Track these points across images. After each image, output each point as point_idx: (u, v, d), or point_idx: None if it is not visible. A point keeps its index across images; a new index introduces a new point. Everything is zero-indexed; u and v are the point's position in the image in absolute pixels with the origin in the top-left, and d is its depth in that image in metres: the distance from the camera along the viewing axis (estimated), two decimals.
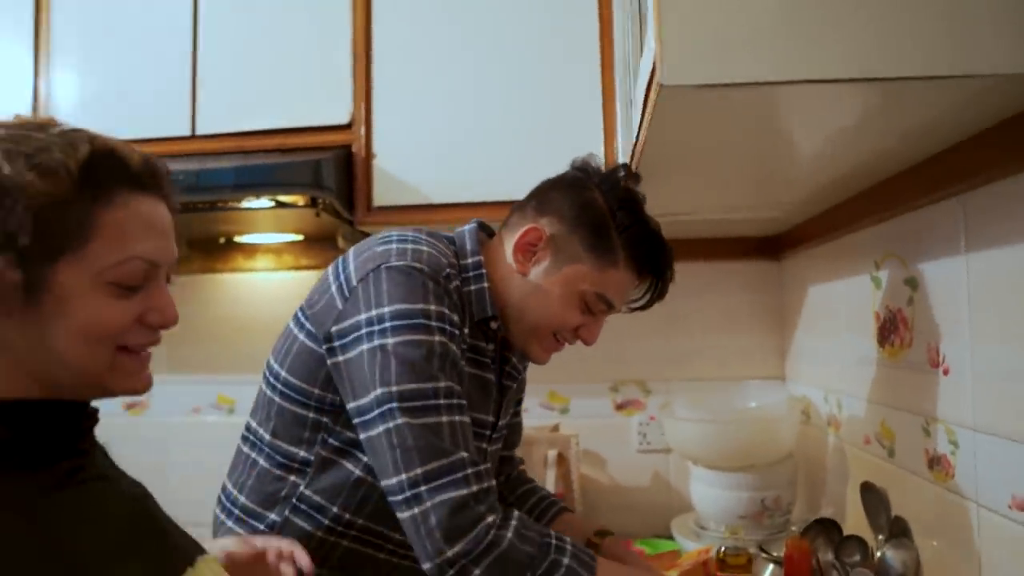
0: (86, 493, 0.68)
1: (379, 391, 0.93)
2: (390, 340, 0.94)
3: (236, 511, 1.07)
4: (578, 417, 1.98)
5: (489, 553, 0.89)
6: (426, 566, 0.90)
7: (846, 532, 1.34)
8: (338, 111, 1.71)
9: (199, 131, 1.75)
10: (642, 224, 1.07)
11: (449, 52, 1.70)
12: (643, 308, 1.12)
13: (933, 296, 1.12)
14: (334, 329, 0.99)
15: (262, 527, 1.04)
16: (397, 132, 1.70)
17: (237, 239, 2.09)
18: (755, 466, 1.61)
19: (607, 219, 1.04)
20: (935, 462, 1.10)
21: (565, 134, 1.62)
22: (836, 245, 1.53)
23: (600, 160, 1.10)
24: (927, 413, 1.12)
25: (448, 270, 1.01)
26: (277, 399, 1.06)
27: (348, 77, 1.71)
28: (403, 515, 0.91)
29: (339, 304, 0.99)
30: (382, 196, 1.70)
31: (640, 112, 0.97)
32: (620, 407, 1.99)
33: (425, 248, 1.02)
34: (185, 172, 1.60)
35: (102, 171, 0.67)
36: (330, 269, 1.06)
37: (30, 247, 0.63)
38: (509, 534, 0.91)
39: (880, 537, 1.23)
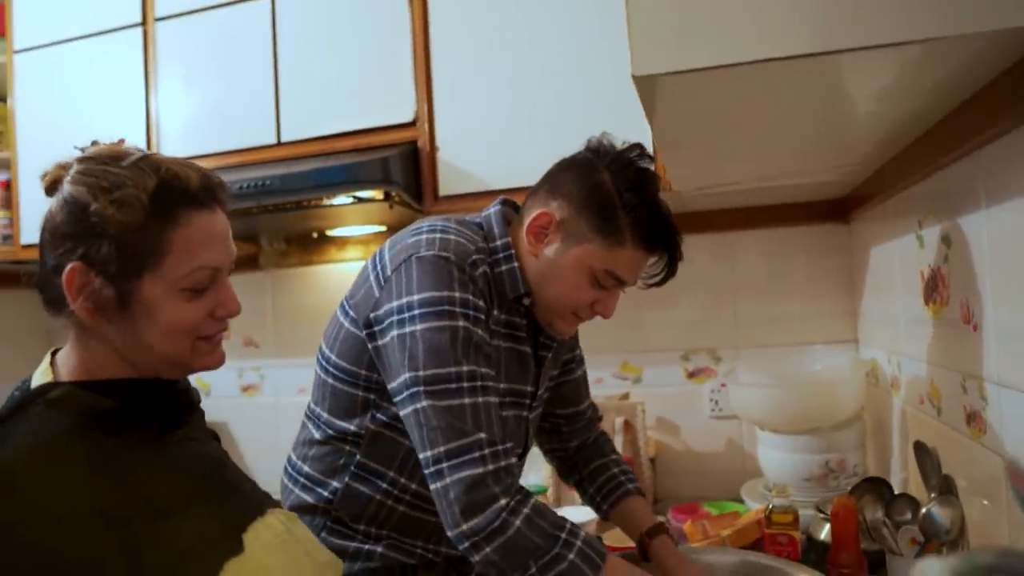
0: (168, 452, 0.84)
1: (407, 375, 1.01)
2: (419, 327, 1.02)
3: (301, 479, 1.19)
4: (651, 386, 2.04)
5: (497, 536, 0.95)
6: (450, 534, 0.99)
7: (909, 492, 1.34)
8: (403, 110, 1.85)
9: (284, 138, 1.94)
10: (649, 205, 1.08)
11: (503, 44, 1.80)
12: (658, 284, 1.15)
13: (963, 253, 1.11)
14: (372, 316, 1.08)
15: (326, 493, 1.16)
16: (458, 125, 1.82)
17: (328, 233, 2.29)
18: (820, 429, 1.62)
19: (614, 200, 1.07)
20: (971, 418, 1.11)
21: (616, 116, 1.67)
22: (889, 205, 1.51)
23: (613, 140, 1.13)
24: (964, 370, 1.13)
25: (475, 256, 1.08)
26: (330, 380, 1.16)
27: (410, 77, 1.85)
28: (431, 487, 1.00)
29: (376, 293, 1.08)
30: (447, 186, 1.82)
31: None
32: (692, 375, 2.04)
33: (453, 237, 1.09)
34: (272, 177, 1.79)
35: (168, 197, 0.82)
36: (369, 261, 1.16)
37: (118, 269, 0.79)
38: (518, 521, 0.95)
39: (932, 496, 1.24)
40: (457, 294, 1.04)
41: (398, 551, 1.16)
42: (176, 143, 2.04)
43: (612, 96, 1.70)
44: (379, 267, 1.11)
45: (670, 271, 1.14)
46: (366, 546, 1.15)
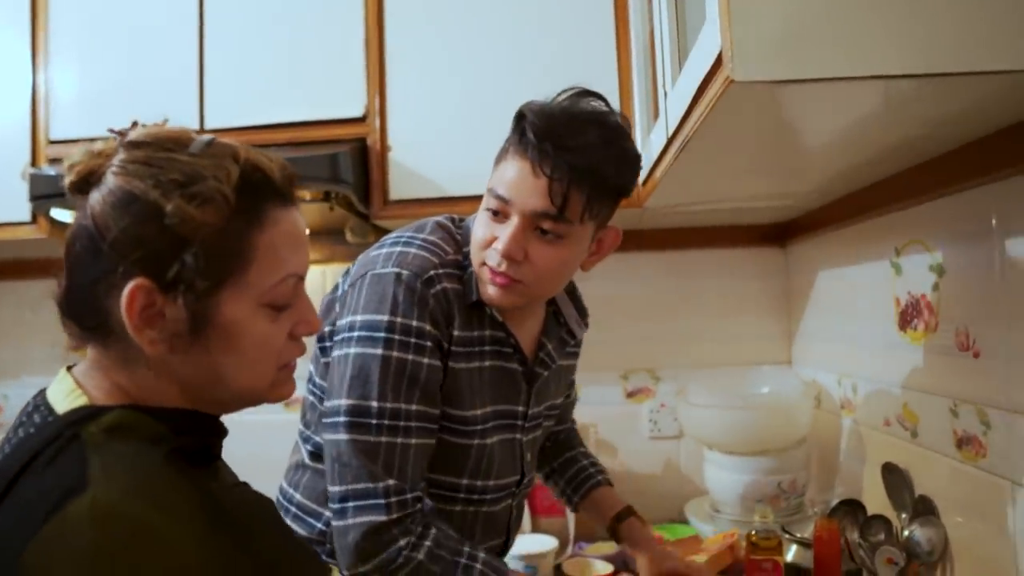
0: (244, 497, 0.71)
1: (334, 401, 0.98)
2: (353, 350, 0.98)
3: (293, 508, 1.09)
4: (590, 404, 1.99)
5: (399, 572, 0.94)
6: (345, 574, 0.96)
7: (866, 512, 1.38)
8: (352, 104, 1.70)
9: (208, 125, 1.73)
10: (536, 117, 0.96)
11: (463, 42, 1.70)
12: (556, 216, 0.96)
13: (962, 281, 1.15)
14: (327, 330, 1.05)
15: (319, 524, 1.06)
16: (412, 125, 1.70)
17: None
18: (770, 450, 1.65)
19: (513, 127, 1.01)
20: (965, 442, 1.14)
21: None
22: (850, 232, 1.56)
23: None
24: (955, 395, 1.16)
25: (433, 272, 1.00)
26: (311, 399, 1.11)
27: (361, 67, 1.70)
28: (332, 522, 0.97)
29: (336, 307, 1.04)
30: (398, 189, 1.69)
31: (688, 103, 0.98)
32: (631, 395, 2.02)
33: (414, 250, 1.02)
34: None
35: (252, 191, 0.66)
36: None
37: (193, 284, 0.63)
38: (420, 555, 0.95)
39: (904, 516, 1.27)
40: (398, 319, 0.97)
41: None
42: (69, 124, 1.77)
43: None
44: (344, 281, 1.06)
45: (553, 191, 0.95)
46: None
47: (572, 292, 1.25)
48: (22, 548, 0.54)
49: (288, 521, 1.09)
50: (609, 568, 1.51)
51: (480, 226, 1.01)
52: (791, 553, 1.44)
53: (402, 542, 0.94)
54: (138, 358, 0.65)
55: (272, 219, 0.67)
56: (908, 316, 1.31)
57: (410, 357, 0.97)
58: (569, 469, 1.36)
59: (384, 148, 1.69)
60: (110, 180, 0.64)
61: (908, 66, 0.73)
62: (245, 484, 0.75)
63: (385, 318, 0.97)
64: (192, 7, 1.74)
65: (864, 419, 1.52)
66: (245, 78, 1.73)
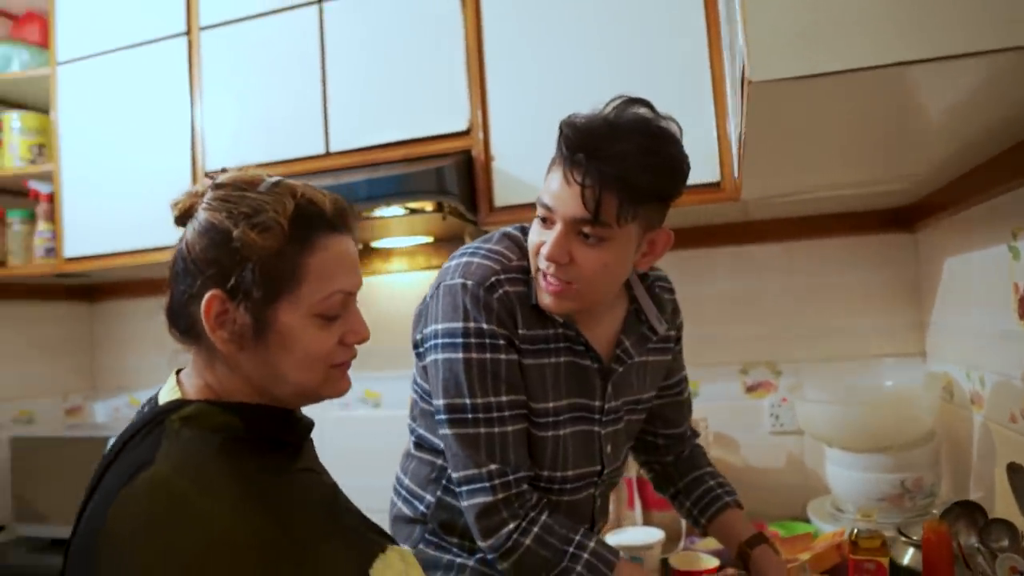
0: (297, 481, 0.83)
1: (437, 401, 1.11)
2: (441, 356, 1.09)
3: (403, 491, 1.23)
4: (708, 400, 1.98)
5: (510, 555, 1.06)
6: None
7: (994, 515, 1.28)
8: (457, 119, 1.81)
9: (332, 148, 1.91)
10: (572, 127, 1.03)
11: (558, 50, 1.75)
12: (592, 221, 1.01)
13: None
14: (418, 337, 1.16)
15: (421, 506, 1.19)
16: (513, 135, 1.77)
17: (373, 244, 2.25)
18: (893, 447, 1.56)
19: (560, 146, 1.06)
20: None
21: (679, 119, 1.63)
22: (969, 215, 1.45)
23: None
24: None
25: (494, 279, 1.08)
26: (417, 399, 1.22)
27: (464, 84, 1.80)
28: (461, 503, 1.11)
29: (423, 317, 1.16)
30: (503, 196, 1.78)
31: (739, 103, 0.99)
32: (750, 389, 1.98)
33: (477, 260, 1.11)
34: (320, 188, 1.75)
35: (306, 221, 0.80)
36: None
37: (257, 296, 0.77)
38: (527, 540, 1.05)
39: None
40: (471, 324, 1.07)
41: (490, 566, 1.15)
42: (222, 154, 2.01)
43: (674, 99, 1.64)
44: (428, 293, 1.17)
45: (584, 196, 1.00)
46: (459, 559, 1.17)
47: (653, 290, 1.27)
48: (109, 504, 0.71)
49: (399, 502, 1.23)
50: (715, 562, 1.50)
51: (533, 233, 1.09)
52: (908, 556, 1.37)
53: (512, 525, 1.05)
54: (217, 357, 0.81)
55: (322, 245, 0.81)
56: None
57: (488, 356, 1.08)
58: (696, 489, 1.34)
59: (488, 158, 1.78)
60: (200, 214, 0.81)
61: (920, 51, 0.71)
62: (311, 470, 0.88)
63: (460, 325, 1.08)
64: (314, 44, 1.93)
65: (992, 414, 1.41)
66: (361, 104, 1.89)
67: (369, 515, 0.93)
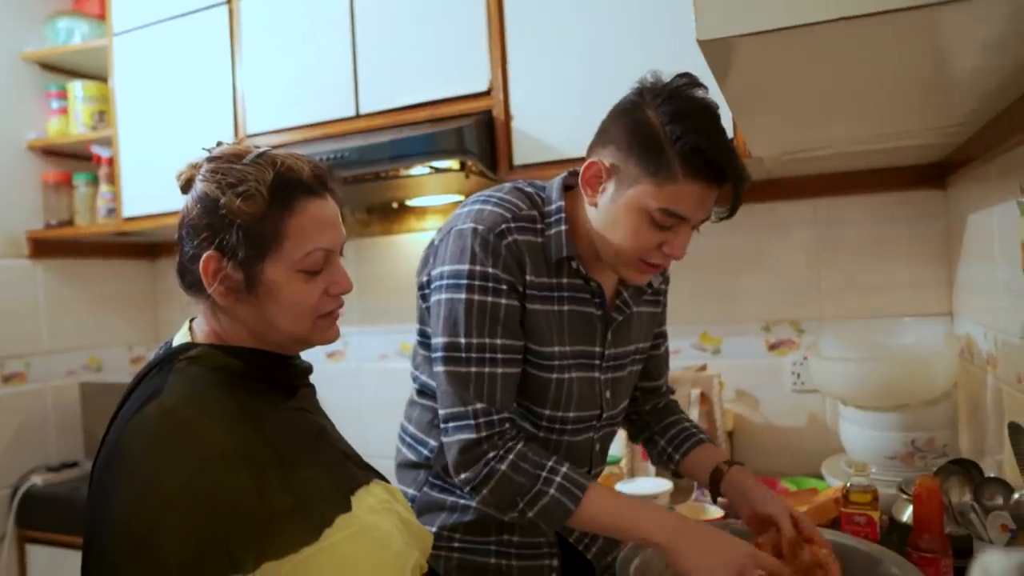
0: (290, 416, 0.94)
1: (434, 339, 1.14)
2: (444, 296, 1.13)
3: (408, 438, 1.30)
4: (731, 357, 1.99)
5: (487, 482, 1.08)
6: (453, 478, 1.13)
7: (1003, 476, 1.27)
8: (477, 79, 1.85)
9: (362, 110, 1.98)
10: (696, 133, 1.02)
11: (578, 10, 1.76)
12: (729, 216, 1.10)
13: None
14: (423, 279, 1.20)
15: (425, 451, 1.25)
16: (532, 94, 1.81)
17: (408, 203, 2.32)
18: (908, 406, 1.56)
19: (659, 135, 1.03)
20: None
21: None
22: (991, 168, 1.41)
23: (661, 75, 1.09)
24: None
25: (504, 225, 1.11)
26: (417, 346, 1.27)
27: (484, 46, 1.84)
28: (441, 439, 1.14)
29: (430, 260, 1.19)
30: (522, 155, 1.81)
31: None
32: (773, 347, 1.98)
33: (489, 207, 1.14)
34: (350, 148, 1.83)
35: (284, 188, 0.90)
36: None
37: (245, 255, 0.88)
38: (503, 466, 1.08)
39: None
40: (477, 267, 1.10)
41: None
42: (261, 118, 2.10)
43: (692, 60, 1.64)
44: (435, 237, 1.20)
45: (736, 198, 1.08)
46: (462, 500, 1.22)
47: None
48: (124, 427, 0.83)
49: (404, 449, 1.30)
50: (720, 512, 1.54)
51: (637, 234, 1.08)
52: (906, 513, 1.38)
53: (491, 455, 1.08)
54: (219, 308, 0.92)
55: (301, 207, 0.90)
56: None
57: (489, 299, 1.11)
58: (670, 431, 1.37)
59: (508, 118, 1.82)
60: (197, 184, 0.92)
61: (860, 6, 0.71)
62: (304, 410, 0.97)
63: (466, 267, 1.11)
64: (344, 11, 1.99)
65: (1002, 375, 1.39)
66: (389, 67, 1.95)
67: None
